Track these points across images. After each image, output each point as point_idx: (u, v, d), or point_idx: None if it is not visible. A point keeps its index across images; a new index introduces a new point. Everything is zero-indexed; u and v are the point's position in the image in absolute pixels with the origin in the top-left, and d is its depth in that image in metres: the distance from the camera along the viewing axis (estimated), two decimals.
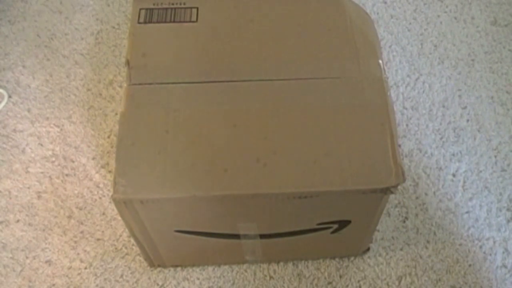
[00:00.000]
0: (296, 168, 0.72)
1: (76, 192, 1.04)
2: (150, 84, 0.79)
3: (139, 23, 0.85)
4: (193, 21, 0.85)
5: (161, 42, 0.83)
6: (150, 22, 0.85)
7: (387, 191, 0.72)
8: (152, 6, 0.87)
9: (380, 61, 0.81)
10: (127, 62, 0.81)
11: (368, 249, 0.96)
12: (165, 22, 0.85)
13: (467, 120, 1.12)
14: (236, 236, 0.84)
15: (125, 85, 0.79)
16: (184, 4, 0.87)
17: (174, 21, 0.85)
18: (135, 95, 0.78)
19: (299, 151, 0.73)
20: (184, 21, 0.85)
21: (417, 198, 1.02)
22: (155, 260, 0.92)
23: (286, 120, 0.76)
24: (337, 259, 0.96)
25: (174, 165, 0.73)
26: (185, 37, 0.84)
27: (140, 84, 0.79)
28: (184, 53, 0.82)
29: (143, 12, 0.86)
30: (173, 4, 0.87)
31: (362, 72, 0.80)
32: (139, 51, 0.82)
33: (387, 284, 0.94)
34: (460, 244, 0.98)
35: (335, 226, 0.82)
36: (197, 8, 0.86)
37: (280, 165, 0.72)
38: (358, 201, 0.75)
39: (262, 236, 0.84)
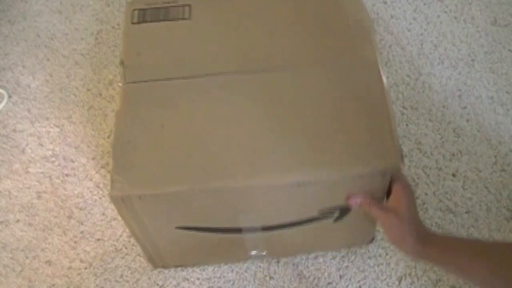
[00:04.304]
0: (293, 157, 0.72)
1: (76, 192, 1.04)
2: (145, 81, 0.79)
3: (132, 23, 0.86)
4: (186, 18, 0.85)
5: (155, 40, 0.84)
6: (143, 22, 0.86)
7: (385, 173, 0.72)
8: (145, 7, 0.87)
9: (374, 44, 0.80)
10: (122, 62, 0.81)
11: (373, 239, 0.96)
12: (159, 21, 0.86)
13: (467, 120, 1.12)
14: (238, 230, 0.84)
15: (120, 84, 0.80)
16: (177, 2, 0.88)
17: (167, 20, 0.86)
18: (130, 94, 0.78)
19: (296, 139, 0.73)
20: (177, 19, 0.85)
21: (417, 198, 1.02)
22: (158, 261, 0.92)
23: (283, 109, 0.76)
24: (337, 259, 0.96)
25: (170, 159, 0.73)
26: (179, 34, 0.84)
27: (135, 82, 0.79)
28: (178, 49, 0.83)
29: (136, 12, 0.87)
30: (166, 3, 0.88)
31: (358, 57, 0.79)
32: (133, 51, 0.82)
33: (387, 284, 0.94)
34: None
35: (337, 213, 0.81)
36: (190, 6, 0.87)
37: (277, 155, 0.72)
38: (357, 186, 0.75)
39: (264, 229, 0.84)
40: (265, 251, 0.92)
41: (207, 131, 0.74)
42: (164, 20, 0.85)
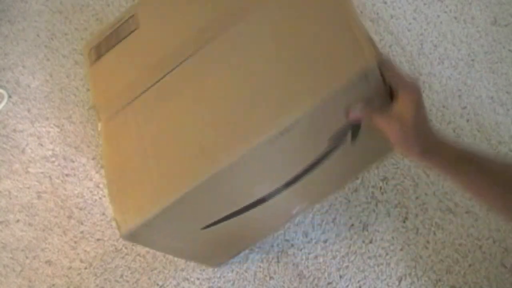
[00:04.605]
0: (268, 107, 0.69)
1: (76, 192, 1.04)
2: (118, 112, 0.79)
3: (92, 63, 0.86)
4: (135, 29, 0.85)
5: (115, 67, 0.84)
6: (101, 56, 0.86)
7: (366, 74, 0.67)
8: (98, 40, 0.88)
9: None
10: (93, 106, 0.81)
11: None
12: (113, 47, 0.85)
13: (467, 120, 1.12)
14: (262, 200, 0.80)
15: (99, 126, 0.80)
16: (123, 18, 0.87)
17: (120, 41, 0.85)
18: (109, 131, 0.79)
19: (267, 88, 0.70)
20: (128, 34, 0.85)
21: (417, 198, 1.02)
22: (211, 262, 0.92)
23: (247, 67, 0.73)
24: (337, 259, 0.96)
25: (159, 177, 0.72)
26: (134, 48, 0.84)
27: (110, 118, 0.79)
28: (136, 64, 0.82)
29: (93, 51, 0.87)
30: (114, 25, 0.88)
31: None
32: (100, 89, 0.83)
33: (387, 284, 0.94)
34: (460, 244, 0.98)
35: (349, 134, 0.76)
36: (133, 15, 0.86)
37: (252, 113, 0.69)
38: (348, 100, 0.70)
39: (288, 184, 0.80)
40: (305, 203, 0.88)
41: (183, 130, 0.73)
42: (117, 43, 0.85)
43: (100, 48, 0.87)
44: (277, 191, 0.81)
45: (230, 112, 0.71)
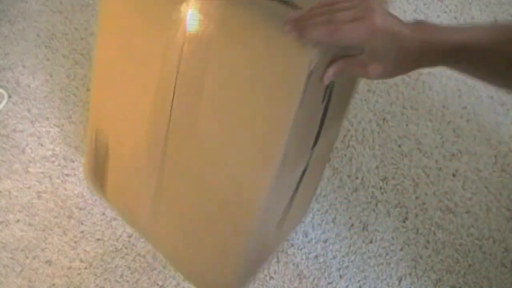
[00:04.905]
0: (245, 153, 0.70)
1: (76, 192, 1.04)
2: (149, 220, 0.92)
3: (101, 192, 0.98)
4: (107, 141, 0.90)
5: (121, 185, 0.94)
6: (104, 182, 0.95)
7: (311, 71, 0.62)
8: (92, 169, 0.96)
9: None
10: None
11: None
12: (106, 169, 0.93)
13: (467, 120, 1.12)
14: (305, 170, 0.81)
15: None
16: (91, 138, 0.93)
17: (106, 160, 0.92)
18: (155, 241, 0.95)
19: (243, 119, 0.69)
20: (106, 150, 0.91)
21: (417, 198, 1.02)
22: (291, 228, 0.99)
23: (210, 128, 0.73)
24: (337, 259, 0.96)
25: (216, 250, 0.83)
26: (119, 160, 0.90)
27: (145, 228, 0.94)
28: (131, 173, 0.90)
29: (95, 181, 0.98)
30: (91, 147, 0.94)
31: None
32: (124, 207, 0.97)
33: (387, 284, 0.94)
34: (460, 244, 0.98)
35: (340, 79, 0.71)
36: (98, 130, 0.91)
37: (245, 154, 0.70)
38: (316, 79, 0.65)
39: (313, 146, 0.79)
40: (336, 130, 0.88)
41: (208, 204, 0.79)
42: (105, 163, 0.92)
43: (99, 177, 0.96)
44: (310, 157, 0.80)
45: (231, 172, 0.74)
